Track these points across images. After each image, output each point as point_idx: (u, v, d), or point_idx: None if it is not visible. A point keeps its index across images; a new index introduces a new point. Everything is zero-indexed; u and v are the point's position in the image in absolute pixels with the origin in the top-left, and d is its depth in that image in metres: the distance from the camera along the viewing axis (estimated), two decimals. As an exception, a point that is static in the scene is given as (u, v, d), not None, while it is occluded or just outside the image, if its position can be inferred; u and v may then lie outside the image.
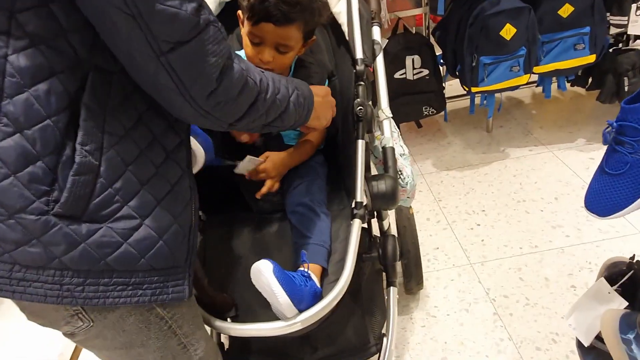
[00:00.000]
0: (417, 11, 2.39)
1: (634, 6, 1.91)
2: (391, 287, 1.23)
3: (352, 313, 1.17)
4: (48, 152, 0.55)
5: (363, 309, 1.19)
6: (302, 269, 0.90)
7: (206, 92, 0.61)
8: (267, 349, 1.14)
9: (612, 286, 0.82)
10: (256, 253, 1.02)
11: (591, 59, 2.01)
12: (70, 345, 1.49)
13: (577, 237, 1.70)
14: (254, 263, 0.83)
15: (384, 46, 2.11)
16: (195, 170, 0.96)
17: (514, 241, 1.75)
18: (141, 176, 0.62)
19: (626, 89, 2.05)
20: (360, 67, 1.08)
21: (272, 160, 1.05)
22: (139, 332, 0.68)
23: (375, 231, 1.26)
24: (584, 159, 2.12)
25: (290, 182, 1.09)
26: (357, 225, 0.95)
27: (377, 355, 1.14)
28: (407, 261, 1.47)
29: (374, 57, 1.20)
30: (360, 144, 1.03)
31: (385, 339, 1.15)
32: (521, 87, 2.10)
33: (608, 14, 2.00)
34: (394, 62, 2.16)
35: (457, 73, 2.10)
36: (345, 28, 1.14)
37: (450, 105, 2.57)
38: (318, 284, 0.91)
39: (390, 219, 1.48)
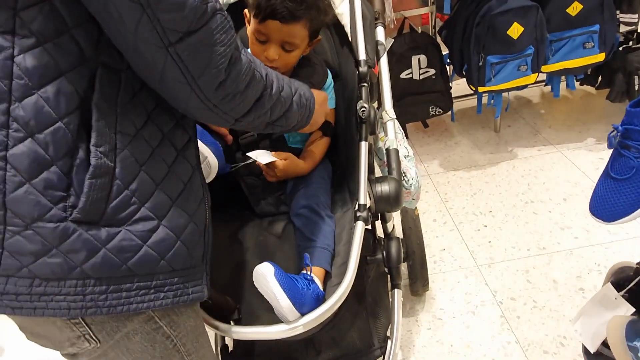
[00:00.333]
0: (423, 10, 2.38)
1: (644, 4, 1.88)
2: (396, 290, 1.22)
3: (356, 316, 1.17)
4: (61, 155, 0.54)
5: (367, 312, 1.18)
6: (305, 272, 0.90)
7: (215, 84, 0.59)
8: (271, 352, 1.14)
9: (619, 292, 0.81)
10: (259, 256, 1.02)
11: (600, 57, 1.98)
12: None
13: (586, 238, 1.68)
14: (256, 266, 0.83)
15: (389, 46, 2.11)
16: (209, 179, 0.96)
17: (522, 243, 1.73)
18: (155, 176, 0.61)
19: (636, 87, 2.02)
20: (363, 68, 1.07)
21: (288, 164, 1.05)
22: (144, 351, 0.67)
23: (380, 233, 1.26)
24: (594, 159, 2.09)
25: (294, 185, 1.09)
26: (360, 228, 0.94)
27: (382, 357, 1.14)
28: (412, 263, 1.46)
29: (378, 58, 1.19)
30: (364, 145, 1.02)
31: (389, 342, 1.15)
32: (529, 86, 2.08)
33: (618, 12, 1.97)
34: (400, 62, 2.14)
35: (464, 72, 2.09)
36: (348, 29, 1.13)
37: (457, 105, 2.55)
38: (321, 287, 0.90)
39: (396, 220, 1.47)
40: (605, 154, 2.10)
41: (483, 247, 1.74)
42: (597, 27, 1.92)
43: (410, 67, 2.15)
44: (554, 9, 1.91)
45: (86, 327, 0.62)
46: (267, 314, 0.87)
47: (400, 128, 1.23)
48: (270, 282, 0.80)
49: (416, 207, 1.44)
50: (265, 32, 0.98)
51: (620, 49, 2.09)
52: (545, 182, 2.02)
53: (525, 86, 2.05)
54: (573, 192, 1.93)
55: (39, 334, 0.65)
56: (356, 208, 0.97)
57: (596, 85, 2.25)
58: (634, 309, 0.80)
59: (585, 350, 0.90)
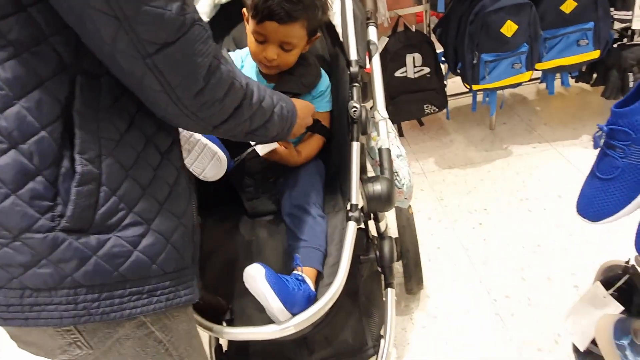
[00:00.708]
0: (417, 9, 2.38)
1: (638, 1, 1.88)
2: (389, 289, 1.23)
3: (349, 315, 1.17)
4: (46, 165, 0.53)
5: (361, 311, 1.19)
6: (296, 272, 0.90)
7: (193, 92, 0.59)
8: (265, 351, 1.15)
9: (608, 290, 0.81)
10: (251, 256, 1.02)
11: (595, 54, 1.98)
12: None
13: (581, 235, 1.68)
14: (247, 267, 0.83)
15: (384, 44, 2.10)
16: (221, 174, 0.96)
17: (516, 240, 1.73)
18: (142, 180, 0.61)
19: (631, 84, 2.02)
20: (354, 68, 1.07)
21: (287, 152, 1.06)
22: (136, 356, 0.67)
23: (374, 232, 1.26)
24: (589, 156, 2.05)
25: (286, 184, 1.09)
26: (351, 228, 0.94)
27: (375, 357, 1.14)
28: (406, 261, 1.46)
29: (370, 57, 1.19)
30: (355, 145, 1.02)
31: (383, 341, 1.15)
32: (524, 83, 2.08)
33: (612, 9, 1.97)
34: (394, 61, 2.14)
35: (458, 71, 2.09)
36: (339, 29, 1.13)
37: (452, 103, 2.55)
38: (312, 288, 0.91)
39: (390, 219, 1.47)
40: (600, 151, 2.11)
41: (478, 245, 1.75)
42: (591, 25, 1.92)
43: (405, 65, 2.15)
44: (548, 7, 1.91)
45: (78, 334, 0.62)
46: (259, 314, 0.88)
47: (393, 127, 1.23)
48: (261, 283, 0.81)
49: (410, 206, 1.44)
50: (263, 32, 0.99)
51: (615, 46, 2.09)
52: (540, 179, 2.02)
53: (519, 84, 2.05)
54: (568, 189, 1.93)
55: (30, 342, 0.65)
56: (348, 208, 0.97)
57: (591, 83, 2.25)
58: (622, 308, 0.80)
59: (575, 349, 0.90)
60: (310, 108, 1.02)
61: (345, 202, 1.04)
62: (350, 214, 0.96)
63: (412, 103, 2.23)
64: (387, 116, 1.17)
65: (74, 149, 0.55)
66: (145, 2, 0.51)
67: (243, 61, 1.14)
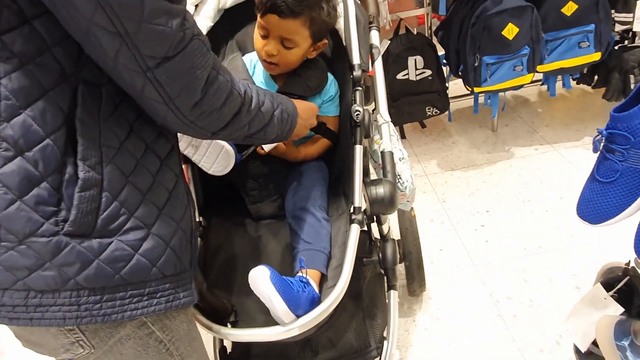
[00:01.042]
0: (419, 11, 2.39)
1: (639, 3, 1.89)
2: (392, 291, 1.23)
3: (353, 317, 1.18)
4: (50, 171, 0.55)
5: (364, 313, 1.19)
6: (300, 274, 0.91)
7: (191, 103, 0.62)
8: (269, 353, 1.15)
9: (608, 292, 0.82)
10: (255, 258, 1.03)
11: (596, 56, 1.99)
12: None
13: (583, 237, 1.69)
14: (252, 269, 0.84)
15: (386, 47, 2.11)
16: (229, 168, 0.98)
17: (518, 242, 1.74)
18: (141, 186, 0.63)
19: (632, 86, 2.03)
20: (357, 72, 1.08)
21: (288, 148, 1.10)
22: (137, 355, 0.69)
23: (376, 234, 1.27)
24: (591, 157, 2.05)
25: (290, 187, 1.10)
26: (355, 230, 0.95)
27: (378, 358, 1.15)
28: (409, 263, 1.47)
29: (373, 61, 1.21)
30: (358, 149, 1.03)
31: (386, 342, 1.16)
32: (526, 85, 2.09)
33: (613, 11, 1.97)
34: (396, 63, 2.15)
35: (460, 73, 2.09)
36: (342, 34, 1.14)
37: (455, 105, 2.56)
38: (317, 290, 0.92)
39: (393, 221, 1.48)
40: (601, 153, 2.11)
41: (480, 246, 1.75)
42: (592, 27, 1.93)
43: (407, 68, 2.16)
44: (549, 9, 1.92)
45: (80, 334, 0.63)
46: (263, 316, 0.89)
47: (395, 130, 1.24)
48: (266, 285, 0.82)
49: (412, 208, 1.45)
50: (265, 26, 1.01)
51: (616, 48, 2.10)
52: (542, 181, 2.03)
53: (521, 86, 2.06)
54: (570, 190, 1.94)
55: (34, 341, 0.66)
56: (351, 211, 0.98)
57: (592, 85, 2.26)
58: (622, 309, 0.81)
59: (577, 350, 0.91)
60: (313, 109, 1.03)
61: (348, 204, 1.05)
62: (353, 216, 0.97)
63: (414, 105, 2.24)
64: (390, 119, 1.18)
65: (77, 155, 0.57)
66: (147, 19, 0.53)
67: (254, 63, 1.15)
